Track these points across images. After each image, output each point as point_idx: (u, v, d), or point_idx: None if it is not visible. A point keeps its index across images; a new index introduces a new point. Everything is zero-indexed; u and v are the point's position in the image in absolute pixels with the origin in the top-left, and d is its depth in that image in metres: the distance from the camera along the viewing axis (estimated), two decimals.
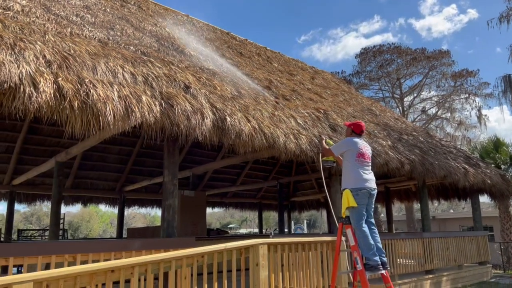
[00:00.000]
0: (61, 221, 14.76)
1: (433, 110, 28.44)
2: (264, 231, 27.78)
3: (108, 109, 4.32)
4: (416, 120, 27.61)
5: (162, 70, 5.53)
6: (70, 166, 13.19)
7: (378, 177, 12.13)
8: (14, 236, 14.94)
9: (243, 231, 60.26)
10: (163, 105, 4.83)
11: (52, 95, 3.94)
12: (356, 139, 5.03)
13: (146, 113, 4.61)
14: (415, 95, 28.05)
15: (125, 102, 4.50)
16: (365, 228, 4.55)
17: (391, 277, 8.53)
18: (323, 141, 5.46)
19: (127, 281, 3.79)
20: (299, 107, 7.52)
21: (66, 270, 3.32)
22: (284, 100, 7.60)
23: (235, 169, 16.78)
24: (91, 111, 4.21)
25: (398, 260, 8.85)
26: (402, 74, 27.30)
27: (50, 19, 5.42)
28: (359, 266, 4.37)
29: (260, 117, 6.04)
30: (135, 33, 7.00)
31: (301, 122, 6.84)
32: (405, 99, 27.82)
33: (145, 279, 3.94)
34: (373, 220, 4.77)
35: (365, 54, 27.71)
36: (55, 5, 6.18)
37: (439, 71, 27.51)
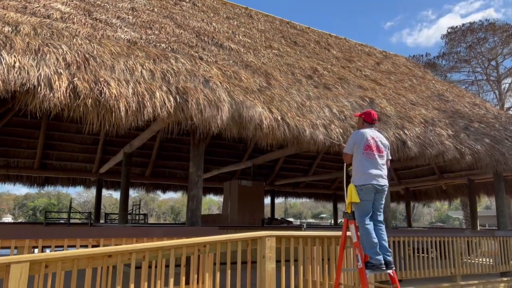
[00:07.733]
0: (137, 207, 16.08)
1: None
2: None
3: (121, 105, 4.63)
4: None
5: (185, 65, 5.72)
6: (149, 156, 14.38)
7: (458, 168, 11.08)
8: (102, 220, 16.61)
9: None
10: (178, 100, 5.01)
11: (67, 94, 4.34)
12: (365, 130, 4.68)
13: (159, 108, 4.84)
14: None
15: (138, 98, 4.77)
16: (369, 225, 4.25)
17: (452, 277, 7.89)
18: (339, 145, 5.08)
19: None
20: (339, 96, 7.20)
21: (67, 253, 3.68)
22: (324, 89, 7.33)
23: (307, 159, 16.67)
24: (104, 108, 4.56)
25: (464, 259, 8.14)
26: (497, 54, 24.19)
27: (86, 23, 5.92)
28: (360, 264, 4.12)
29: (286, 108, 5.93)
30: (175, 31, 7.30)
31: (336, 112, 6.56)
32: (503, 81, 24.66)
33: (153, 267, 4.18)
34: (381, 217, 4.42)
35: (453, 34, 24.99)
36: (98, 10, 6.71)
37: None
